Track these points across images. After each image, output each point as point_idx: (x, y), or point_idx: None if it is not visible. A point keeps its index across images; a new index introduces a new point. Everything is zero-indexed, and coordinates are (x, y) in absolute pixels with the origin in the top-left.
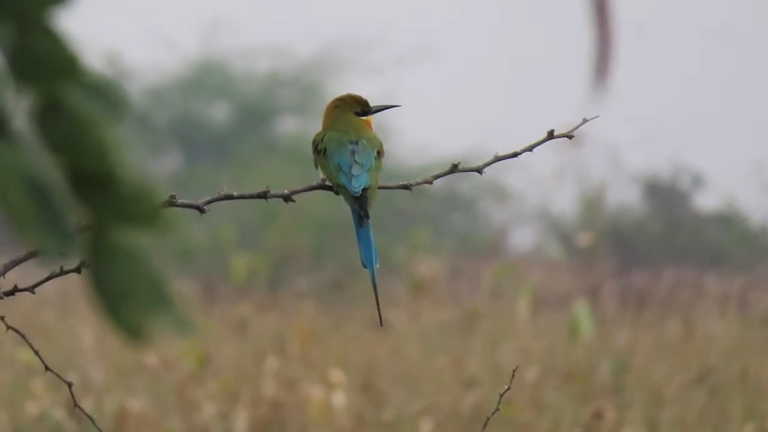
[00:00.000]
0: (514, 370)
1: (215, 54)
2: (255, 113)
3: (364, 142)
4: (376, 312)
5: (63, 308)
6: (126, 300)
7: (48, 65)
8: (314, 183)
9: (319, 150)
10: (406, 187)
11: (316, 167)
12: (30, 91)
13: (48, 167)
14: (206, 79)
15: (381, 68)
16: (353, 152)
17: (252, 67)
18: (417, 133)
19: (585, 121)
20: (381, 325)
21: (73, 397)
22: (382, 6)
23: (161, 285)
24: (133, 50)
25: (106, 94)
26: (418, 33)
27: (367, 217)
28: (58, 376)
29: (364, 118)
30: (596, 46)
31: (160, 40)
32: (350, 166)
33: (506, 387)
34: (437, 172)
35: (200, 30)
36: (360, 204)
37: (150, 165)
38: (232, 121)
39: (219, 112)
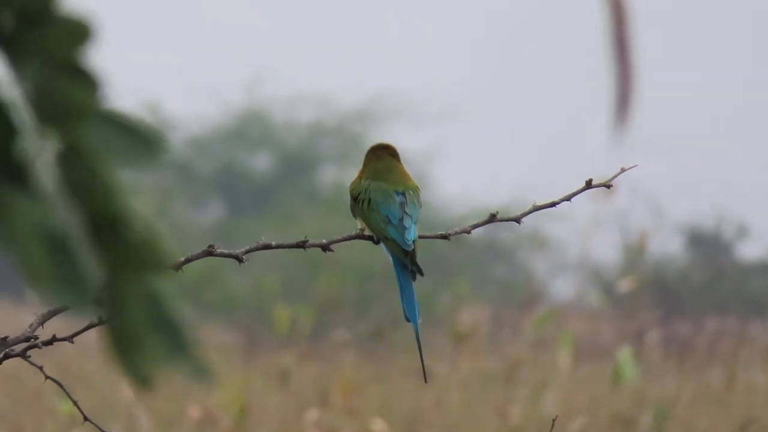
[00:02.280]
0: (554, 420)
1: (257, 104)
2: (297, 163)
3: (411, 192)
4: (419, 361)
5: (104, 358)
6: (136, 348)
7: (68, 106)
8: (353, 232)
9: (361, 200)
10: (444, 237)
11: (355, 216)
12: (51, 134)
13: (67, 216)
14: (248, 129)
15: (423, 120)
16: (402, 204)
17: (294, 117)
18: (458, 182)
19: (623, 170)
20: (426, 381)
21: None
22: (424, 59)
23: (178, 330)
24: (175, 100)
25: (140, 135)
26: (457, 86)
27: (421, 273)
28: (97, 426)
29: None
30: (617, 85)
31: (203, 90)
32: (400, 219)
33: None
34: (476, 222)
35: (243, 80)
36: (411, 259)
37: (193, 215)
38: (274, 170)
39: (261, 162)
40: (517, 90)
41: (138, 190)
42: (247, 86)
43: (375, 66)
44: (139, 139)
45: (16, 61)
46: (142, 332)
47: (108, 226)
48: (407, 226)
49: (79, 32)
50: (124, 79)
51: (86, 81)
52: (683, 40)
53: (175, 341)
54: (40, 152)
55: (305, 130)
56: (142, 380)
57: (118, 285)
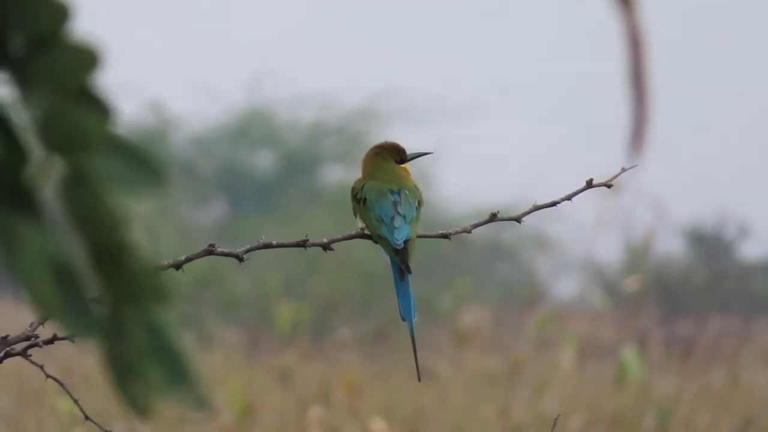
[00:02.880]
0: (555, 418)
1: (260, 103)
2: (299, 162)
3: (406, 192)
4: (421, 361)
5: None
6: (134, 377)
7: (76, 134)
8: (353, 232)
9: (359, 199)
10: (445, 236)
11: (355, 216)
12: (58, 161)
13: (72, 244)
14: (251, 128)
15: (426, 119)
16: (395, 203)
17: (297, 116)
18: (461, 183)
19: (624, 170)
20: (419, 380)
21: None
22: (428, 58)
23: (178, 360)
24: (178, 99)
25: (146, 163)
26: (462, 86)
27: (409, 272)
28: (98, 425)
29: (402, 165)
30: (633, 113)
31: (206, 89)
32: (392, 218)
33: None
34: (477, 221)
35: (246, 79)
36: (401, 258)
37: (195, 214)
38: (276, 170)
39: (263, 161)
40: (522, 90)
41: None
42: (250, 85)
43: (378, 65)
44: (144, 168)
45: (26, 86)
46: (141, 361)
47: (112, 255)
48: (398, 225)
49: (88, 58)
50: (127, 78)
51: (96, 108)
52: (687, 42)
53: (175, 371)
54: (47, 179)
55: (308, 130)
56: (139, 409)
57: (119, 314)
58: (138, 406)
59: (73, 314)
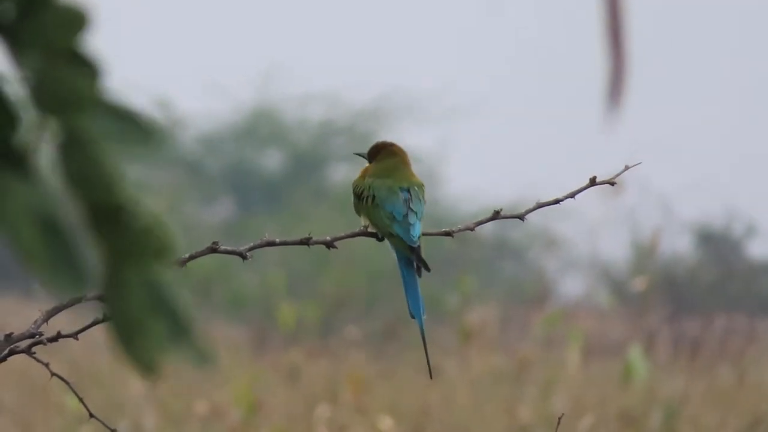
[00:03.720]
0: (560, 417)
1: (268, 102)
2: (307, 161)
3: (416, 189)
4: (427, 361)
5: (113, 355)
6: (139, 334)
7: (69, 95)
8: (356, 230)
9: (365, 197)
10: (448, 234)
11: (359, 214)
12: (52, 122)
13: (66, 204)
14: (259, 126)
15: (433, 119)
16: (406, 200)
17: (305, 115)
18: (467, 181)
19: (627, 168)
20: (431, 377)
21: None
22: (436, 58)
23: (180, 317)
24: (186, 98)
25: (140, 125)
26: (469, 85)
27: (428, 269)
28: (102, 423)
29: (404, 162)
30: (610, 68)
31: (214, 87)
32: (404, 215)
33: None
34: (480, 219)
35: (254, 78)
36: (417, 255)
37: (203, 213)
38: (284, 169)
39: (271, 160)
40: (527, 89)
41: (148, 188)
42: (258, 84)
43: (386, 63)
44: (139, 129)
45: (17, 50)
46: (144, 319)
47: (110, 214)
48: (412, 222)
49: (76, 19)
50: (135, 76)
51: (87, 69)
52: (690, 40)
53: (178, 327)
54: (40, 141)
55: (316, 129)
56: (146, 367)
57: (120, 273)
58: (144, 363)
59: (61, 266)
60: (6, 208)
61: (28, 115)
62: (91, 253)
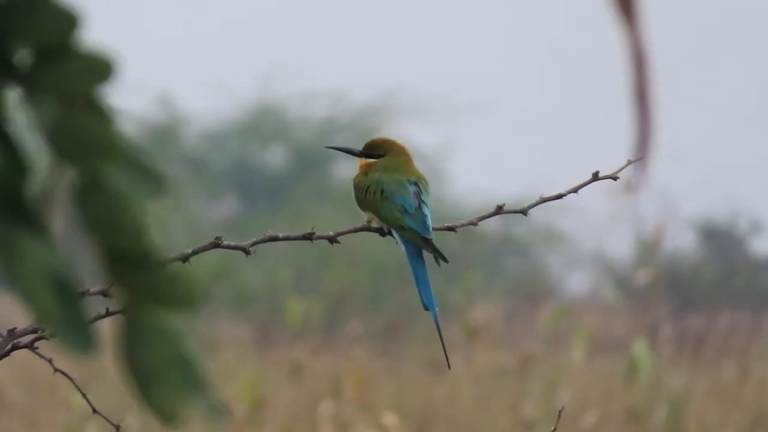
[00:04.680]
0: (560, 411)
1: (271, 99)
2: (311, 158)
3: (423, 182)
4: (432, 355)
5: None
6: (159, 383)
7: (88, 142)
8: (359, 225)
9: (372, 191)
10: (451, 229)
11: (363, 209)
12: (69, 170)
13: (76, 257)
14: (262, 124)
15: (437, 116)
16: (416, 193)
17: (308, 112)
18: (472, 178)
19: (630, 162)
20: (449, 367)
21: None
22: (439, 56)
23: (194, 369)
24: (189, 95)
25: (146, 170)
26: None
27: (445, 260)
28: (106, 419)
29: (406, 156)
30: (637, 126)
31: (217, 85)
32: (416, 207)
33: (553, 428)
34: (483, 214)
35: (257, 75)
36: (433, 246)
37: (207, 210)
38: (288, 166)
39: (275, 157)
40: (533, 86)
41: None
42: (261, 81)
43: (389, 61)
44: (149, 177)
45: (34, 96)
46: (165, 367)
47: (135, 261)
48: (426, 213)
49: (100, 69)
50: (138, 74)
51: (106, 116)
52: (696, 38)
53: (194, 379)
54: (55, 189)
55: (319, 126)
56: (167, 416)
57: (142, 321)
58: (164, 413)
59: (73, 327)
60: (20, 268)
61: (38, 165)
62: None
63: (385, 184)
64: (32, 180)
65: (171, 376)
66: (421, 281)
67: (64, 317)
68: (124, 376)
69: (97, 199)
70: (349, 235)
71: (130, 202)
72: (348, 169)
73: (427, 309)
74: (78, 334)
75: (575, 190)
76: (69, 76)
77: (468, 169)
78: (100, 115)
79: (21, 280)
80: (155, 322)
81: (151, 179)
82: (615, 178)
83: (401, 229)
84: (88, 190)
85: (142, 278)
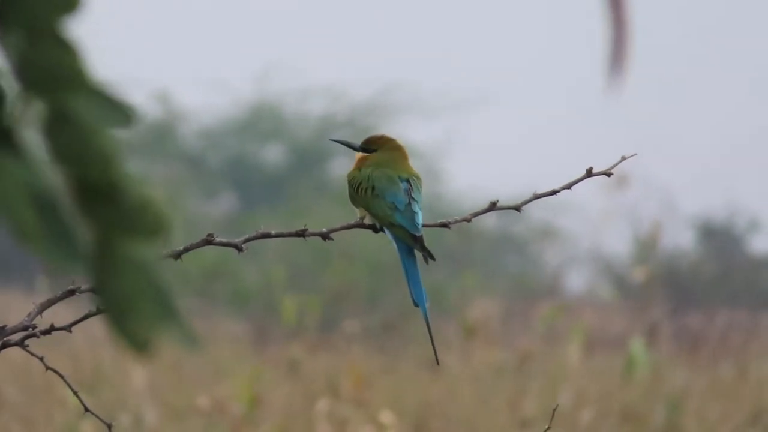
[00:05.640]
0: (554, 408)
1: (269, 96)
2: (308, 155)
3: (415, 179)
4: (429, 353)
5: (116, 349)
6: (132, 312)
7: (56, 75)
8: (352, 221)
9: (363, 188)
10: (444, 225)
11: (356, 205)
12: (37, 100)
13: (56, 180)
14: (260, 121)
15: (435, 113)
16: (407, 190)
17: (306, 109)
18: (469, 175)
19: (624, 158)
20: (438, 363)
21: None
22: (436, 53)
23: (167, 297)
24: (187, 92)
25: (115, 104)
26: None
27: (432, 258)
28: (98, 417)
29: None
30: (612, 37)
31: (215, 82)
32: (407, 204)
33: (547, 426)
34: (476, 210)
35: (255, 72)
36: (422, 244)
37: (204, 207)
38: (285, 163)
39: (272, 155)
40: (529, 83)
41: (149, 182)
42: (259, 78)
43: (387, 58)
44: (115, 109)
45: (3, 29)
46: (136, 298)
47: (102, 191)
48: (416, 210)
49: (67, 1)
50: (136, 70)
51: (71, 50)
52: (694, 33)
53: (166, 307)
54: (27, 119)
55: (317, 123)
56: (139, 344)
57: (111, 251)
58: (137, 342)
59: (57, 242)
60: (1, 187)
61: (13, 93)
62: (80, 226)
63: (376, 180)
64: (8, 108)
65: (143, 305)
66: (412, 277)
67: (48, 232)
68: (98, 306)
69: (65, 130)
70: (345, 232)
71: (97, 132)
72: (345, 166)
73: (416, 305)
74: (63, 248)
75: (568, 187)
76: (36, 8)
77: (466, 167)
78: (66, 47)
79: (2, 198)
80: (126, 252)
81: (119, 110)
82: (608, 175)
83: (391, 226)
84: (56, 121)
85: (110, 208)
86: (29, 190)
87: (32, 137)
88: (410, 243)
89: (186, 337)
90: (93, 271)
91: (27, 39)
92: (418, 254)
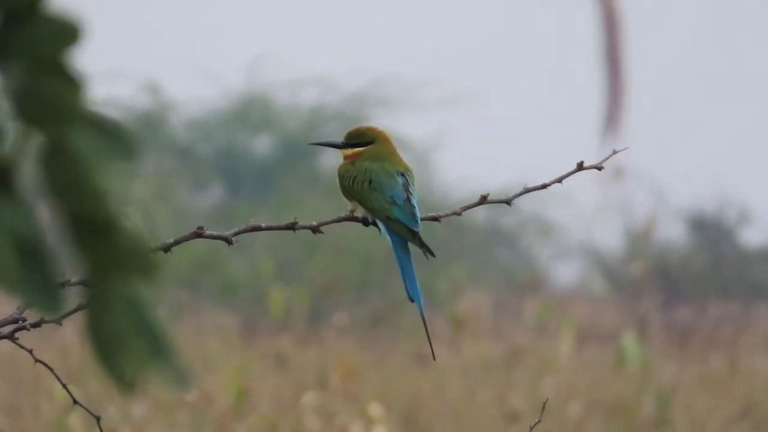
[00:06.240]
0: (544, 402)
1: (259, 87)
2: (298, 147)
3: (410, 173)
4: (418, 346)
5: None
6: (120, 351)
7: (56, 107)
8: (343, 214)
9: (360, 181)
10: (435, 219)
11: (349, 198)
12: (36, 133)
13: (45, 219)
14: (249, 112)
15: (426, 105)
16: (404, 185)
17: (295, 100)
18: (460, 168)
19: (615, 152)
20: (434, 359)
21: (101, 431)
22: (426, 46)
23: (159, 336)
24: (176, 83)
25: (117, 138)
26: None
27: (432, 254)
28: (87, 410)
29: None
30: (608, 95)
31: (204, 73)
32: (405, 199)
33: (537, 420)
34: (467, 204)
35: (244, 63)
36: (419, 239)
37: (193, 199)
38: (275, 154)
39: (262, 146)
40: (520, 75)
41: (138, 174)
42: (249, 69)
43: (378, 50)
44: (117, 142)
45: (2, 60)
46: (126, 336)
47: (96, 228)
48: (415, 205)
49: (67, 33)
50: (124, 62)
51: (72, 82)
52: (683, 27)
53: (157, 346)
54: (24, 154)
55: (307, 114)
56: (126, 384)
57: (103, 288)
58: (124, 381)
59: (34, 287)
60: None
61: (8, 129)
62: (70, 270)
63: (374, 174)
64: (4, 143)
65: (133, 344)
66: (407, 272)
67: (28, 277)
68: (87, 343)
69: (62, 163)
70: (335, 224)
71: (93, 167)
72: (335, 158)
73: (412, 300)
74: (40, 294)
75: (559, 180)
76: (37, 40)
77: (456, 160)
78: (67, 79)
79: None
80: (118, 289)
81: (119, 144)
82: (599, 168)
83: (389, 220)
84: (52, 154)
85: (104, 244)
86: (13, 233)
87: (27, 175)
88: (408, 238)
89: (176, 375)
90: (86, 308)
91: (28, 70)
92: (414, 248)
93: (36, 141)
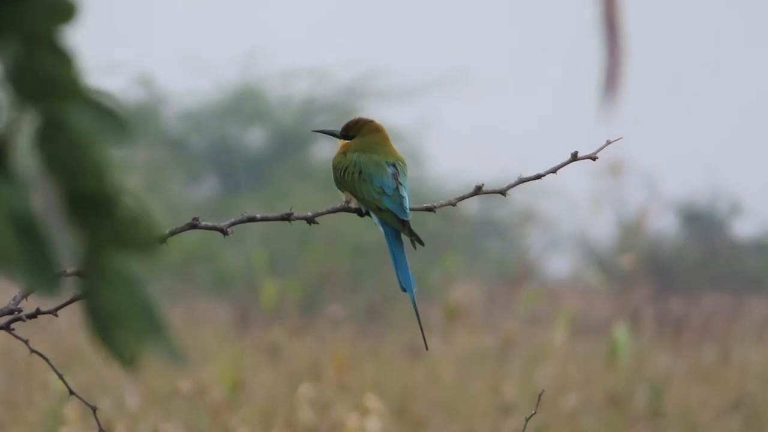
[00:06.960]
0: (540, 394)
1: (252, 79)
2: (291, 139)
3: (401, 163)
4: (412, 338)
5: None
6: (120, 326)
7: (51, 83)
8: (337, 205)
9: (350, 172)
10: (430, 209)
11: (341, 189)
12: (32, 109)
13: (42, 198)
14: (243, 104)
15: (418, 96)
16: (394, 175)
17: (288, 92)
18: (452, 159)
19: (609, 143)
20: (426, 348)
21: (98, 421)
22: (417, 37)
23: (154, 312)
24: (169, 75)
25: (110, 114)
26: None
27: (421, 243)
28: (83, 400)
29: (384, 136)
30: (606, 62)
31: (198, 65)
32: (395, 189)
33: (533, 412)
34: (462, 195)
35: (238, 55)
36: (409, 229)
37: (187, 191)
38: (268, 146)
39: (255, 138)
40: (512, 65)
41: (130, 166)
42: (242, 62)
43: (370, 42)
44: (111, 119)
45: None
46: (125, 312)
47: (95, 203)
48: (404, 195)
49: (62, 10)
50: (118, 53)
51: (66, 58)
52: (676, 17)
53: (154, 322)
54: (19, 130)
55: (300, 106)
56: (127, 360)
57: (102, 264)
58: (123, 356)
59: (34, 268)
60: None
61: (4, 105)
62: (68, 245)
63: (363, 164)
64: (1, 123)
65: (131, 320)
66: (399, 262)
67: (26, 257)
68: (85, 319)
69: (58, 139)
70: (329, 215)
71: (91, 143)
72: (329, 150)
73: (404, 290)
74: (40, 274)
75: (554, 171)
76: (32, 17)
77: (449, 151)
78: (61, 56)
79: None
80: (115, 266)
81: (114, 121)
82: (594, 158)
83: (379, 210)
84: (49, 130)
85: (102, 221)
86: (11, 212)
87: (22, 152)
88: (398, 227)
89: (172, 352)
90: (83, 284)
91: (23, 47)
92: (406, 239)
93: (31, 118)
